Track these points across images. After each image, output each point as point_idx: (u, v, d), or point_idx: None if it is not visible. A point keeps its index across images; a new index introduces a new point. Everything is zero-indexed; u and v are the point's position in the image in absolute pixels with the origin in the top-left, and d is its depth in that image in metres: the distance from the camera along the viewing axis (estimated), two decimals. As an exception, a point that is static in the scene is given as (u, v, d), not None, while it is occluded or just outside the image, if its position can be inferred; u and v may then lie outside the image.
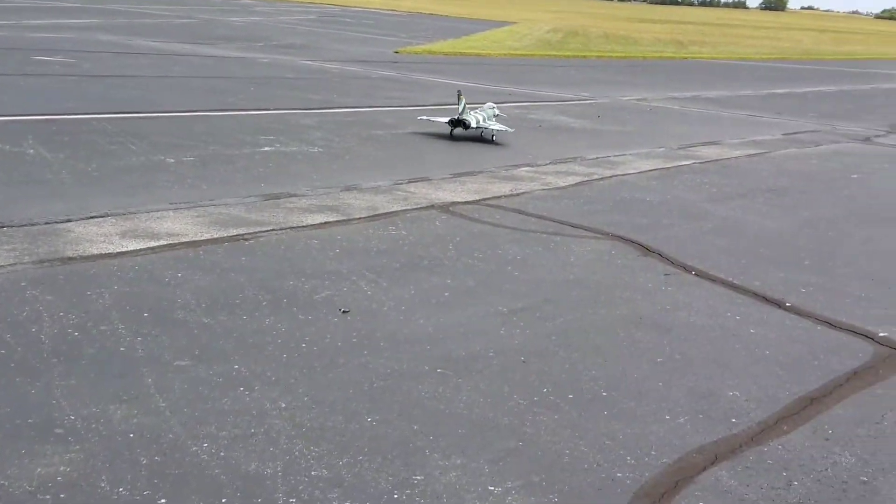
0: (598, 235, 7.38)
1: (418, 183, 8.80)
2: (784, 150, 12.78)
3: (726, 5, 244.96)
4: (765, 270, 6.62)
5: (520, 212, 8.03)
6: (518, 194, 8.78)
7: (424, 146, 11.18)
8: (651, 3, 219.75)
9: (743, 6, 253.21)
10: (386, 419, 3.87)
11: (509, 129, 12.05)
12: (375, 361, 4.48)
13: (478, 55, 31.70)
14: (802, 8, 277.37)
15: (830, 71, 35.80)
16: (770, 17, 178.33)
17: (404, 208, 7.70)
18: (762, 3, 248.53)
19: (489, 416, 4.00)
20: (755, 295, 6.02)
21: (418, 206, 7.81)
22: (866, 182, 10.64)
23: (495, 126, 11.94)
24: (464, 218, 7.60)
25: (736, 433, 4.01)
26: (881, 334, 5.34)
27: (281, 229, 6.70)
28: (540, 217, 7.88)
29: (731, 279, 6.34)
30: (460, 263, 6.25)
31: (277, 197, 7.70)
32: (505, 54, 34.05)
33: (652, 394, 4.36)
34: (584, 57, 35.79)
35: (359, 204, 7.68)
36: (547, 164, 10.53)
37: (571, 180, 9.65)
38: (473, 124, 11.65)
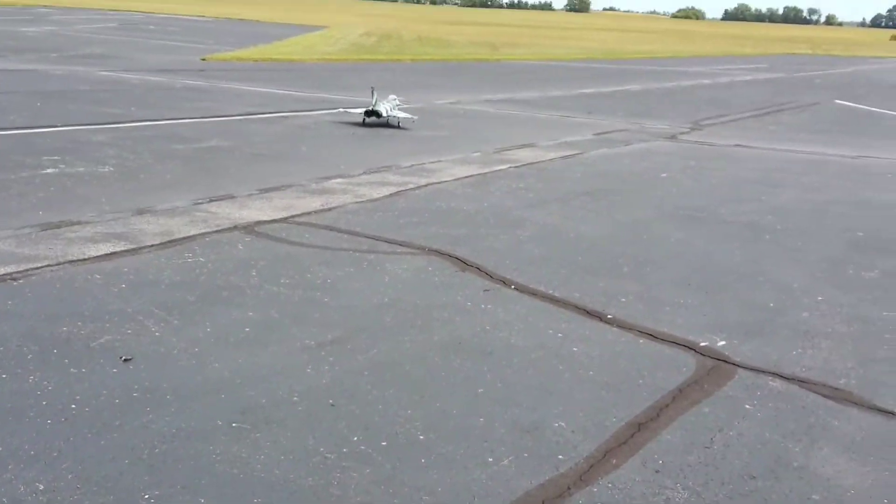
0: (415, 251, 7.00)
1: (221, 201, 8.16)
2: (596, 151, 12.85)
3: (533, 7, 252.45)
4: (584, 280, 6.41)
5: (331, 228, 7.55)
6: (330, 209, 8.30)
7: (229, 161, 10.50)
8: (462, 5, 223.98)
9: (549, 8, 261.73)
10: (166, 495, 3.30)
11: (413, 117, 14.39)
12: (159, 420, 3.89)
13: (289, 61, 30.97)
14: (604, 9, 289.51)
15: (634, 70, 37.13)
16: (575, 18, 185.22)
17: (203, 231, 7.06)
18: (567, 5, 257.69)
19: (290, 477, 3.50)
20: (576, 308, 5.78)
21: (219, 228, 7.18)
22: (675, 181, 10.76)
23: (401, 114, 14.35)
24: (270, 239, 7.04)
25: (563, 472, 3.68)
26: (702, 344, 5.19)
27: (58, 264, 5.94)
28: (353, 233, 7.42)
29: (551, 292, 6.09)
30: (264, 292, 5.70)
31: (57, 226, 6.90)
32: (318, 59, 33.42)
33: (473, 432, 3.98)
34: (399, 60, 35.63)
35: (151, 229, 6.98)
36: (360, 175, 10.09)
37: (386, 191, 9.24)
38: (384, 113, 14.06)
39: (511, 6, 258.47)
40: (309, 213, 8.05)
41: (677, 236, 7.92)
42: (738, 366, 4.90)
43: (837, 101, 24.36)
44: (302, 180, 9.56)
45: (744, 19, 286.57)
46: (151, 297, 5.44)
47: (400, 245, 7.14)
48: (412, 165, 10.87)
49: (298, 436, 3.84)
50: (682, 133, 15.61)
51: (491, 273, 6.47)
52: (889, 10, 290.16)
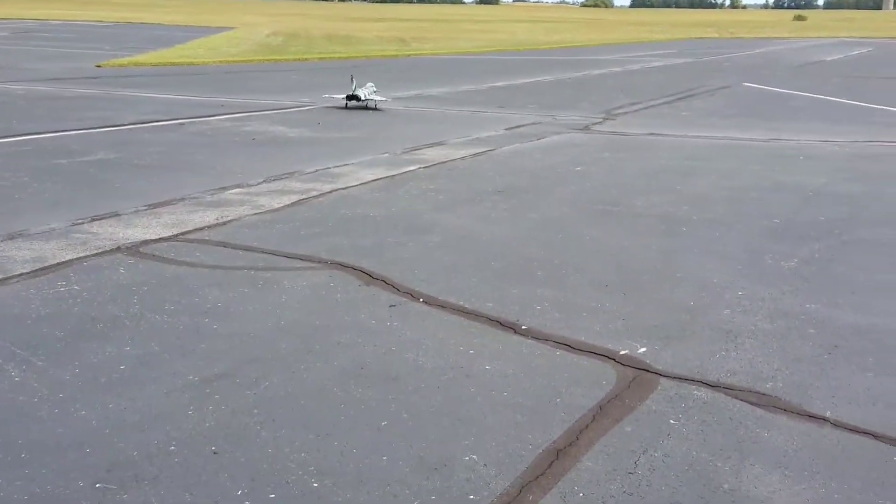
0: (316, 265, 6.53)
1: (104, 220, 7.57)
2: (508, 147, 12.51)
3: (443, 1, 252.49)
4: (497, 288, 6.03)
5: (225, 245, 7.04)
6: (225, 223, 7.77)
7: (117, 174, 9.86)
8: (372, 1, 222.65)
9: (459, 1, 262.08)
10: (6, 589, 2.80)
11: (388, 100, 17.38)
12: (10, 485, 3.38)
13: (191, 64, 30.07)
14: (514, 1, 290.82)
15: (546, 60, 37.05)
16: (486, 10, 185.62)
17: (81, 255, 6.48)
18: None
19: (160, 550, 3.03)
20: (488, 320, 5.39)
21: (100, 251, 6.61)
22: (589, 174, 10.48)
23: (378, 97, 16.96)
24: (156, 260, 6.50)
25: (475, 518, 3.29)
26: (622, 352, 4.85)
27: (-90, 303, 5.33)
28: (249, 249, 6.92)
29: (462, 303, 5.70)
30: (145, 322, 5.18)
31: (-84, 258, 6.25)
32: (221, 61, 32.54)
33: (375, 474, 3.56)
34: (306, 60, 34.95)
35: (22, 256, 6.39)
36: (260, 183, 9.57)
37: (287, 200, 8.74)
38: (363, 97, 16.73)
39: (421, 1, 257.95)
40: (201, 229, 7.52)
41: (592, 234, 7.61)
42: (661, 374, 4.57)
43: (746, 84, 24.53)
44: (196, 192, 9.01)
45: (651, 6, 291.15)
46: (14, 334, 4.88)
47: (300, 259, 6.67)
48: (316, 171, 10.38)
49: (173, 494, 3.38)
50: (595, 123, 15.40)
51: (398, 286, 6.05)
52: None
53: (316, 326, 5.26)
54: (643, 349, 4.90)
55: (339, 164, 10.83)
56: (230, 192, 9.09)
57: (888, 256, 6.85)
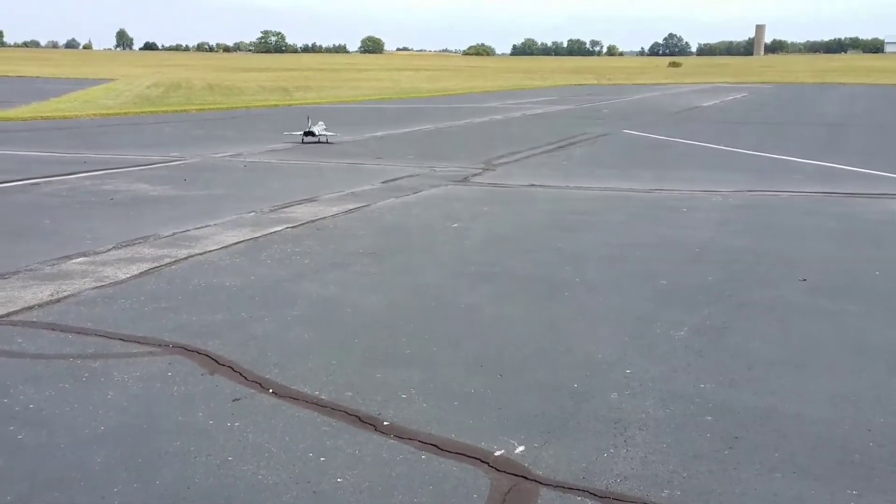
0: (156, 349, 5.73)
1: (-89, 304, 6.58)
2: (383, 202, 11.89)
3: (328, 50, 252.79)
4: (360, 372, 5.35)
5: (55, 327, 6.17)
6: (59, 299, 6.89)
7: (-54, 243, 8.81)
8: (256, 51, 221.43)
9: (344, 50, 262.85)
10: None
11: (337, 134, 21.01)
12: None
13: (63, 118, 28.71)
14: (398, 49, 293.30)
15: (428, 109, 36.86)
16: (370, 59, 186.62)
17: None
18: (361, 47, 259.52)
19: None
20: (347, 414, 4.70)
21: None
22: (467, 232, 9.94)
23: (329, 133, 20.58)
24: (-37, 352, 5.58)
25: None
26: (497, 453, 4.22)
27: None
28: (81, 331, 6.08)
29: (317, 393, 4.99)
30: (-72, 439, 4.29)
31: None
32: (96, 114, 31.23)
33: None
34: (185, 111, 33.88)
35: None
36: (109, 250, 8.68)
37: (136, 269, 7.89)
38: (317, 132, 20.34)
39: (306, 50, 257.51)
40: (31, 308, 6.64)
41: (468, 301, 7.01)
42: (541, 483, 3.95)
43: (626, 131, 24.67)
44: (35, 262, 8.09)
45: (532, 53, 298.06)
46: None
47: (138, 343, 5.86)
48: (174, 234, 9.54)
49: None
50: (475, 175, 14.95)
51: (246, 373, 5.30)
52: (665, 39, 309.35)
53: (142, 431, 4.47)
54: (521, 448, 4.28)
55: (200, 225, 10.01)
56: (73, 261, 8.19)
57: (781, 323, 6.44)
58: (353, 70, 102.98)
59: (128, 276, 7.69)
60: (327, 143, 20.12)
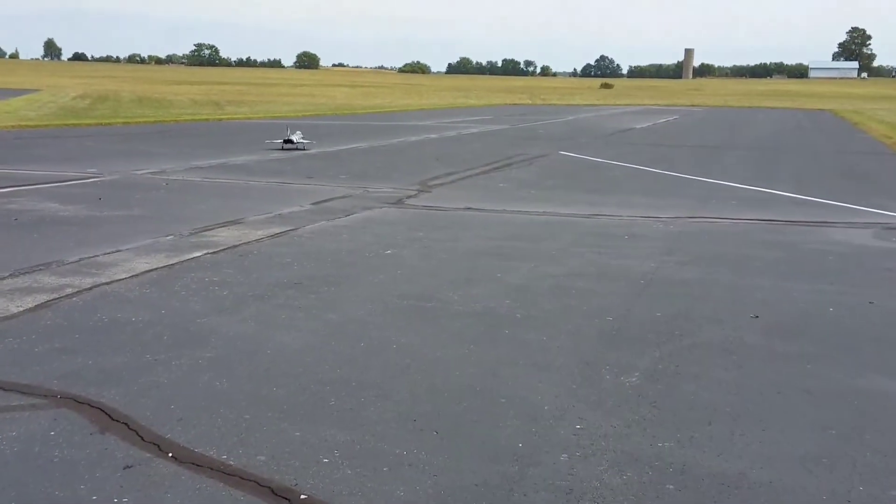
0: (41, 401, 5.01)
1: None
2: (313, 225, 11.23)
3: (263, 64, 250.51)
4: (276, 429, 4.70)
5: (-74, 373, 5.39)
6: (-63, 338, 6.09)
7: None
8: (189, 64, 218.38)
9: (279, 65, 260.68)
10: None
11: (314, 142, 23.91)
12: None
13: (-24, 129, 27.35)
14: (334, 65, 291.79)
15: (362, 126, 36.23)
16: (305, 74, 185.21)
17: None
18: (296, 62, 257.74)
19: None
20: (258, 485, 4.05)
21: None
22: (400, 260, 9.34)
23: (305, 141, 23.07)
24: None
25: None
26: (434, 537, 3.62)
27: None
28: (-44, 378, 5.30)
29: (225, 457, 4.33)
30: None
31: None
32: (14, 126, 29.98)
33: None
34: (110, 124, 32.74)
35: None
36: (4, 279, 7.87)
37: (31, 302, 7.12)
38: (295, 140, 22.66)
39: (240, 64, 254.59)
40: None
41: (402, 341, 6.40)
42: (484, 576, 3.35)
43: (563, 153, 24.35)
44: (-82, 293, 7.24)
45: (467, 72, 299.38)
46: None
47: (21, 393, 5.13)
48: (81, 260, 8.76)
49: None
50: (410, 197, 14.37)
51: (144, 431, 4.62)
52: (597, 61, 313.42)
53: (12, 510, 3.76)
54: (460, 529, 3.69)
55: (110, 250, 9.24)
56: (-40, 292, 7.37)
57: (738, 369, 5.96)
58: (287, 85, 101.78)
59: (21, 309, 6.92)
60: (304, 150, 22.60)
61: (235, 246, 9.67)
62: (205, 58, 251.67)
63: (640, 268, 9.20)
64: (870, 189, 16.79)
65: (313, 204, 13.11)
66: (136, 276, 8.15)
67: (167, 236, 10.12)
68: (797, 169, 21.02)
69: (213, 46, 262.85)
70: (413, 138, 29.14)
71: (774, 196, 15.48)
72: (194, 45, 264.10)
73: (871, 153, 26.39)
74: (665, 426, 4.86)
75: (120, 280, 7.97)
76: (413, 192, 14.88)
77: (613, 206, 13.67)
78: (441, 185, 16.20)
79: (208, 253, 9.24)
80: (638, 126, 41.30)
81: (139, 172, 16.53)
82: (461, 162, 20.70)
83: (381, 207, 13.04)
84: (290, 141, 22.57)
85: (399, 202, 13.71)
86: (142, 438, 4.54)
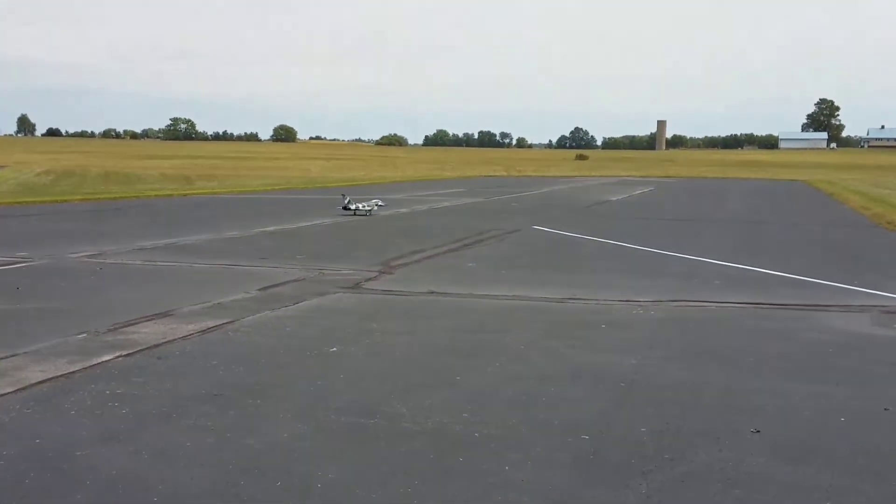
0: None
1: None
2: (253, 317, 10.02)
3: (240, 138, 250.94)
4: None
5: None
6: None
7: None
8: (165, 139, 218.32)
9: (256, 139, 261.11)
10: None
11: (386, 205, 27.14)
12: None
13: (-77, 207, 26.09)
14: (311, 138, 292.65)
15: (333, 200, 35.19)
16: (282, 147, 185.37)
17: None
18: (273, 136, 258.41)
19: None
20: None
21: None
22: (346, 360, 8.13)
23: (367, 206, 25.91)
24: None
25: None
26: None
27: None
28: None
29: None
30: None
31: None
32: (-39, 205, 28.66)
33: None
34: (67, 201, 31.50)
35: None
36: None
37: None
38: (353, 207, 25.80)
39: (217, 138, 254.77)
40: None
41: (329, 476, 5.18)
42: None
43: (536, 227, 23.32)
44: None
45: (443, 144, 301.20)
46: None
47: None
48: (-35, 367, 7.48)
49: None
50: (369, 279, 13.20)
51: None
52: (571, 132, 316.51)
53: None
54: None
55: (7, 353, 7.97)
56: None
57: (744, 508, 4.79)
58: (262, 158, 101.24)
59: None
60: (368, 215, 25.41)
61: (156, 346, 8.43)
62: (181, 132, 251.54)
63: (620, 366, 8.05)
64: (858, 266, 15.80)
65: (260, 290, 11.90)
66: (23, 389, 6.88)
67: (80, 334, 8.86)
68: (779, 244, 20.07)
69: (190, 120, 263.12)
70: (382, 213, 28.09)
71: (759, 275, 14.42)
72: (170, 119, 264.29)
73: (851, 225, 25.58)
74: None
75: (1, 396, 6.70)
76: (373, 274, 13.72)
77: (589, 288, 12.56)
78: (405, 264, 15.06)
79: (121, 356, 7.99)
80: (614, 198, 40.56)
81: (74, 255, 15.25)
82: (429, 238, 19.61)
83: (335, 293, 11.84)
84: (347, 208, 25.62)
85: (356, 286, 12.53)
86: None
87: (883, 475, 5.40)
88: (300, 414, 6.41)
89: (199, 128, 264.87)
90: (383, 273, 13.95)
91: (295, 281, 12.81)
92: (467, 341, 9.03)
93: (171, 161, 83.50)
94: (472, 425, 6.21)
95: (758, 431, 6.25)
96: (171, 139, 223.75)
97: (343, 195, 26.44)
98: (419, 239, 19.47)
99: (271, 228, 21.34)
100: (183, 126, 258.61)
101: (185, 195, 37.20)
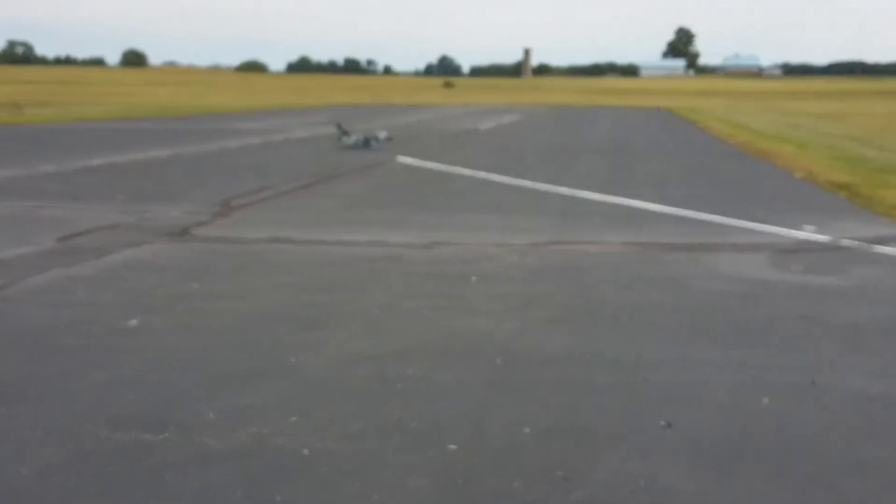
0: None
1: None
2: (38, 277, 8.02)
3: (84, 63, 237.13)
4: None
5: None
6: None
7: None
8: (3, 62, 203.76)
9: (102, 63, 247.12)
10: None
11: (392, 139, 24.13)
12: None
13: None
14: (164, 63, 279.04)
15: (180, 129, 32.44)
16: (131, 73, 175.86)
17: None
18: (122, 60, 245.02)
19: None
20: None
21: None
22: (146, 338, 6.31)
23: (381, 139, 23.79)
24: None
25: None
26: None
27: None
28: None
29: None
30: None
31: None
32: None
33: None
34: None
35: None
36: None
37: None
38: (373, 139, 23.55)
39: (59, 62, 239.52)
40: None
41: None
42: None
43: (401, 159, 21.57)
44: None
45: (308, 71, 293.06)
46: None
47: None
48: None
49: None
50: (201, 223, 11.26)
51: None
52: (439, 60, 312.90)
53: None
54: None
55: None
56: None
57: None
58: (107, 84, 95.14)
59: None
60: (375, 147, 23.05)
61: None
62: (18, 55, 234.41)
63: (495, 334, 6.54)
64: (738, 199, 14.78)
65: (59, 240, 9.82)
66: None
67: None
68: (654, 175, 19.00)
69: (27, 43, 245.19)
70: (233, 144, 25.77)
71: (639, 210, 13.19)
72: (6, 41, 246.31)
73: (722, 154, 24.88)
74: None
75: None
76: (207, 217, 11.77)
77: (457, 230, 11.02)
78: (247, 204, 13.15)
79: None
80: (482, 127, 39.12)
81: None
82: (280, 173, 17.64)
83: (153, 243, 9.89)
84: (346, 137, 23.22)
85: (183, 233, 10.59)
86: None
87: (828, 483, 4.10)
88: (57, 427, 4.62)
89: (39, 51, 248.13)
90: (219, 215, 12.02)
91: (107, 228, 10.75)
92: (310, 305, 7.35)
93: (2, 87, 77.17)
94: (300, 436, 4.59)
95: (669, 425, 4.88)
96: (6, 63, 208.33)
97: (338, 125, 24.00)
98: (268, 174, 17.48)
99: (97, 162, 18.83)
100: (20, 49, 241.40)
101: (6, 123, 33.63)
